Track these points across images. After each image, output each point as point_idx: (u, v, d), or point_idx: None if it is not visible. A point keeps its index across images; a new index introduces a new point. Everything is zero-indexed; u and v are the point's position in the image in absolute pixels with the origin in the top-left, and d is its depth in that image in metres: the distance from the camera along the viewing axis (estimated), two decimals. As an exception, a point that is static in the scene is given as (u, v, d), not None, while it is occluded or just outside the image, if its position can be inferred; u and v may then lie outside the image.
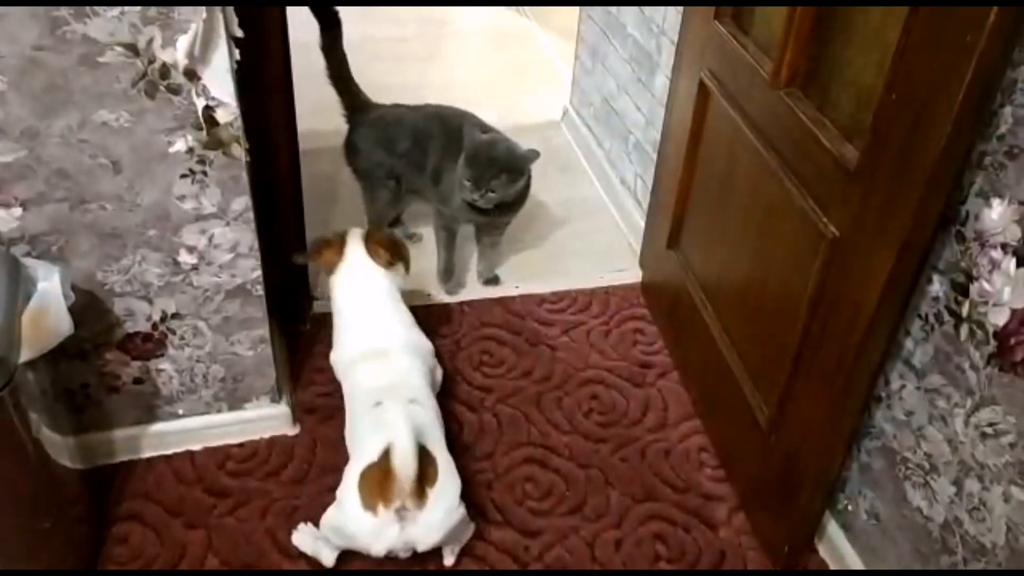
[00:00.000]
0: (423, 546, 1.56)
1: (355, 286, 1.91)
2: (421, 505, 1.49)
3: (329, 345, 2.17)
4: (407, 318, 1.92)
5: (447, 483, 1.56)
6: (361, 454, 1.56)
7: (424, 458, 1.50)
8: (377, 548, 1.53)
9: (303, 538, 1.73)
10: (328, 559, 1.68)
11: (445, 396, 2.11)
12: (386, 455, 1.46)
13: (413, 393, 1.72)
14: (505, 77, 3.94)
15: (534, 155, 2.24)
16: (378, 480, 1.48)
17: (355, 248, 1.92)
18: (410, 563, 1.71)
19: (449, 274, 2.49)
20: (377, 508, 1.48)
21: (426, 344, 1.91)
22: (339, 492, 1.58)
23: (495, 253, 2.57)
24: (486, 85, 3.79)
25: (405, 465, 1.43)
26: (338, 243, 1.93)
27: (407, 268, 1.99)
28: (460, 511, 1.59)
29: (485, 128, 2.36)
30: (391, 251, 1.94)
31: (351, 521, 1.53)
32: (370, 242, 1.93)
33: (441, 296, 2.47)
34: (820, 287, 1.53)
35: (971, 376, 1.34)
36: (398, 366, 1.78)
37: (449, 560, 1.72)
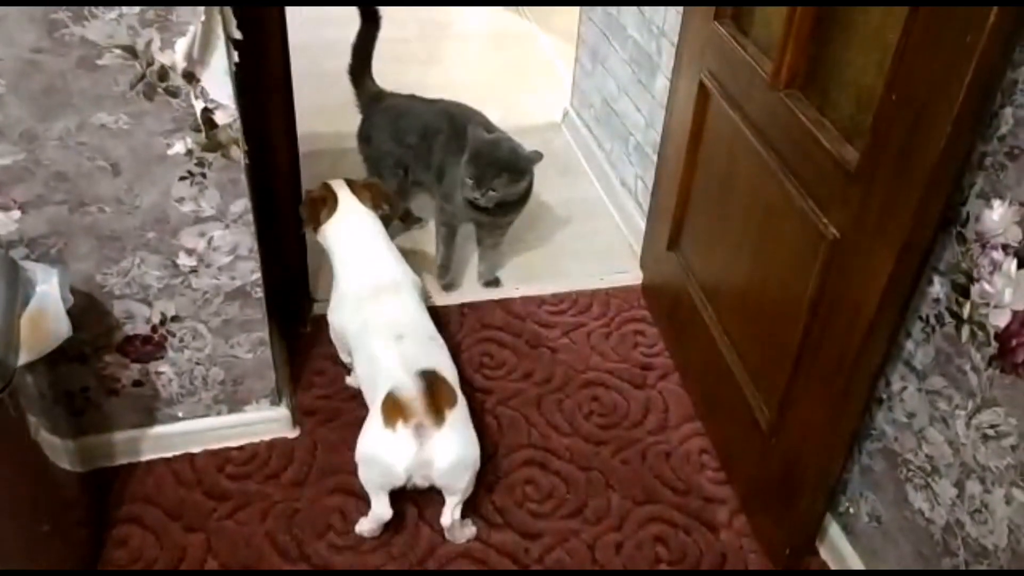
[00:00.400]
0: (439, 468, 1.61)
1: (354, 229, 1.99)
2: (439, 423, 1.59)
3: (331, 347, 2.18)
4: (399, 256, 2.01)
5: (463, 410, 1.68)
6: (383, 385, 1.66)
7: (442, 384, 1.67)
8: (398, 465, 1.59)
9: (363, 522, 1.76)
10: (379, 507, 1.70)
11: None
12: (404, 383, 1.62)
13: (431, 331, 1.85)
14: (505, 78, 3.94)
15: (537, 157, 2.24)
16: (397, 403, 1.60)
17: (345, 195, 2.01)
18: (410, 563, 1.72)
19: (446, 270, 2.50)
20: (396, 425, 1.58)
21: (419, 281, 2.02)
22: (366, 421, 1.69)
23: (496, 254, 2.56)
24: (486, 86, 3.79)
25: (406, 388, 1.61)
26: (328, 194, 2.00)
27: (394, 209, 2.12)
28: (475, 447, 1.69)
29: (491, 128, 2.36)
30: (375, 194, 2.05)
31: (373, 441, 1.63)
32: (355, 188, 2.03)
33: (441, 298, 2.47)
34: (820, 288, 1.53)
35: (972, 378, 1.33)
36: (410, 303, 1.90)
37: (447, 519, 1.72)
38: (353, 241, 1.98)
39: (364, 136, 2.52)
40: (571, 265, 2.64)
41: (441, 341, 1.86)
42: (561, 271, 2.62)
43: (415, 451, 1.58)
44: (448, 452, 1.61)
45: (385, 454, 1.61)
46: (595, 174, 3.11)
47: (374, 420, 1.64)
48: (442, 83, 3.68)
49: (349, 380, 2.11)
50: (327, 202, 1.99)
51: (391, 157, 2.46)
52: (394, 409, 1.60)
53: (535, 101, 3.62)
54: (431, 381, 1.65)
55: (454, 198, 2.33)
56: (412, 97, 2.53)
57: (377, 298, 1.87)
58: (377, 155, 2.49)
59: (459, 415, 1.66)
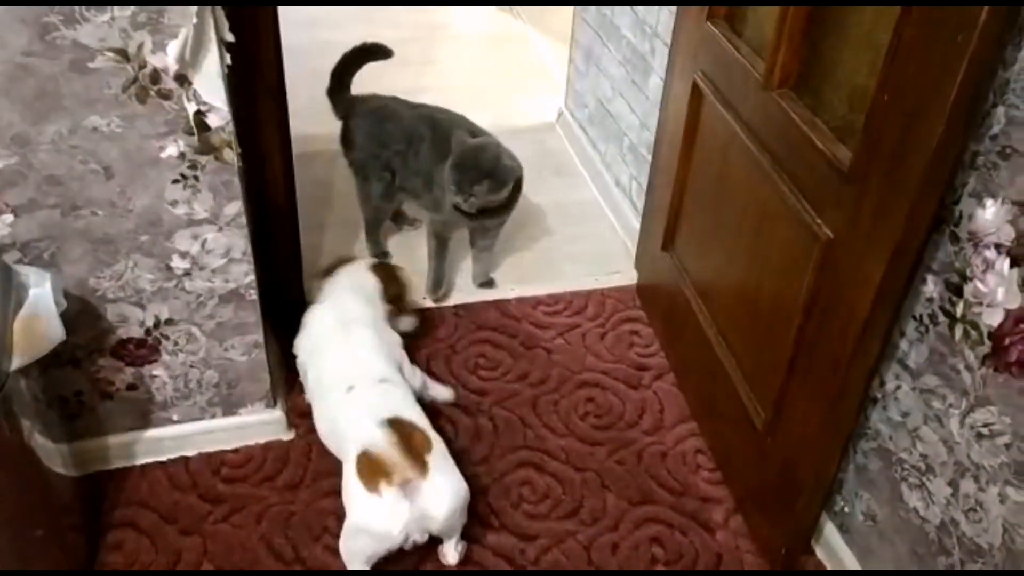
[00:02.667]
0: (437, 518, 1.54)
1: (346, 280, 2.02)
2: (424, 473, 1.51)
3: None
4: (374, 311, 1.97)
5: (442, 452, 1.60)
6: (352, 443, 1.59)
7: (410, 429, 1.58)
8: (394, 529, 1.51)
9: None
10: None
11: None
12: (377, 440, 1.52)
13: (381, 372, 1.77)
14: (500, 80, 3.94)
15: (518, 170, 2.26)
16: (374, 463, 1.51)
17: (363, 264, 2.08)
18: (405, 565, 1.71)
19: (438, 284, 2.46)
20: (380, 488, 1.49)
21: (395, 337, 1.97)
22: (343, 492, 1.60)
23: (489, 256, 2.56)
24: (481, 88, 3.79)
25: (378, 443, 1.51)
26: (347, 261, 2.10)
27: (400, 310, 2.08)
28: (464, 484, 1.61)
29: (476, 132, 2.35)
30: (394, 286, 2.06)
31: (361, 512, 1.54)
32: (378, 268, 2.09)
33: (436, 300, 2.46)
34: (814, 288, 1.53)
35: (966, 377, 1.33)
36: (358, 339, 1.84)
37: (452, 559, 1.70)
38: (338, 287, 2.00)
39: (347, 141, 2.50)
40: (566, 266, 2.64)
41: (397, 379, 1.79)
42: (556, 272, 2.62)
43: (408, 510, 1.50)
44: (442, 500, 1.54)
45: (377, 523, 1.52)
46: (590, 175, 3.11)
47: (354, 486, 1.53)
48: (436, 84, 3.69)
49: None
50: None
51: (377, 161, 2.45)
52: (372, 470, 1.51)
53: (529, 102, 3.62)
54: (401, 429, 1.56)
55: (442, 205, 2.33)
56: (396, 100, 2.50)
57: (332, 339, 1.86)
58: (362, 159, 2.47)
59: (439, 456, 1.58)
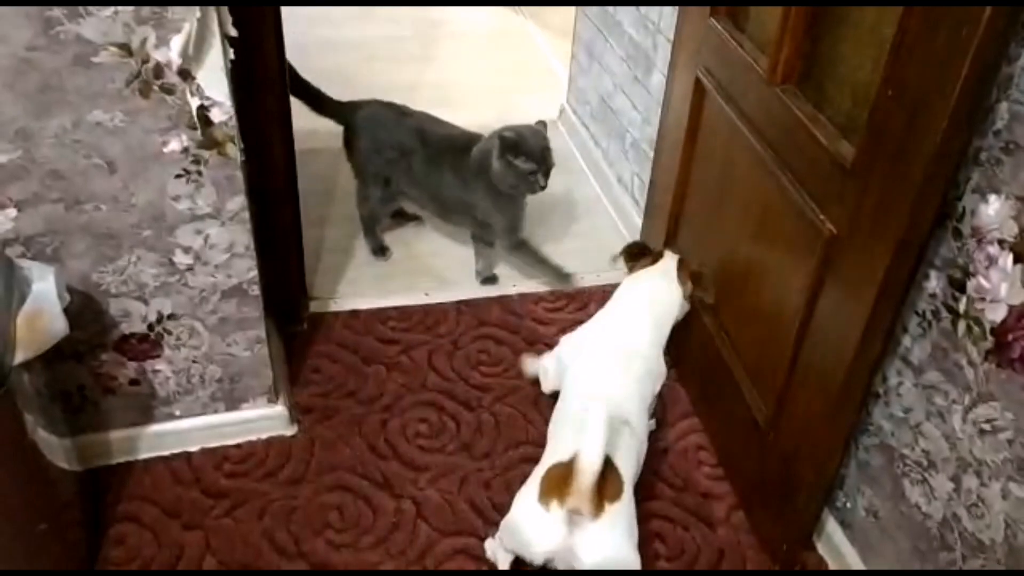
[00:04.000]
0: (584, 561, 1.45)
1: (643, 290, 1.92)
2: (596, 515, 1.42)
3: (328, 345, 2.19)
4: (660, 340, 1.89)
5: (625, 508, 1.50)
6: (553, 452, 1.55)
7: (612, 474, 1.47)
8: (539, 547, 1.46)
9: (490, 543, 1.71)
10: (502, 561, 1.65)
11: (443, 395, 2.11)
12: (575, 458, 1.42)
13: (630, 417, 1.65)
14: (501, 77, 3.94)
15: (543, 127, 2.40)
16: (560, 478, 1.45)
17: (669, 263, 1.97)
18: (407, 561, 1.71)
19: (565, 276, 2.51)
20: (551, 504, 1.44)
21: (662, 370, 1.88)
22: (523, 487, 1.55)
23: (492, 252, 2.57)
24: (483, 85, 3.79)
25: (589, 465, 1.39)
26: (655, 256, 2.00)
27: (707, 293, 1.98)
28: (630, 548, 1.50)
29: (471, 139, 2.42)
30: (696, 280, 1.96)
31: (523, 513, 1.50)
32: (683, 265, 1.97)
33: (439, 295, 2.46)
34: (817, 284, 1.53)
35: (969, 372, 1.34)
36: (627, 381, 1.75)
37: None
38: (631, 299, 1.91)
39: (348, 145, 2.54)
40: (568, 262, 2.63)
41: (639, 430, 1.67)
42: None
43: (562, 538, 1.43)
44: (597, 549, 1.44)
45: (529, 531, 1.47)
46: (592, 171, 3.11)
47: (530, 487, 1.51)
48: (438, 82, 3.69)
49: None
50: (652, 259, 1.98)
51: (372, 166, 2.49)
52: (553, 485, 1.45)
53: (531, 99, 3.62)
54: (606, 469, 1.45)
55: (497, 223, 2.43)
56: (391, 106, 2.52)
57: (603, 359, 1.79)
58: (359, 163, 2.52)
59: (622, 511, 1.48)
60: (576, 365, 1.82)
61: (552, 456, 1.54)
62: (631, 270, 2.00)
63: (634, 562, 1.51)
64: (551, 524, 1.44)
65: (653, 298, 1.91)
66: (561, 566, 1.48)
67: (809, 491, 1.68)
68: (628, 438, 1.60)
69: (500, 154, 2.27)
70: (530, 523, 1.47)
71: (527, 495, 1.50)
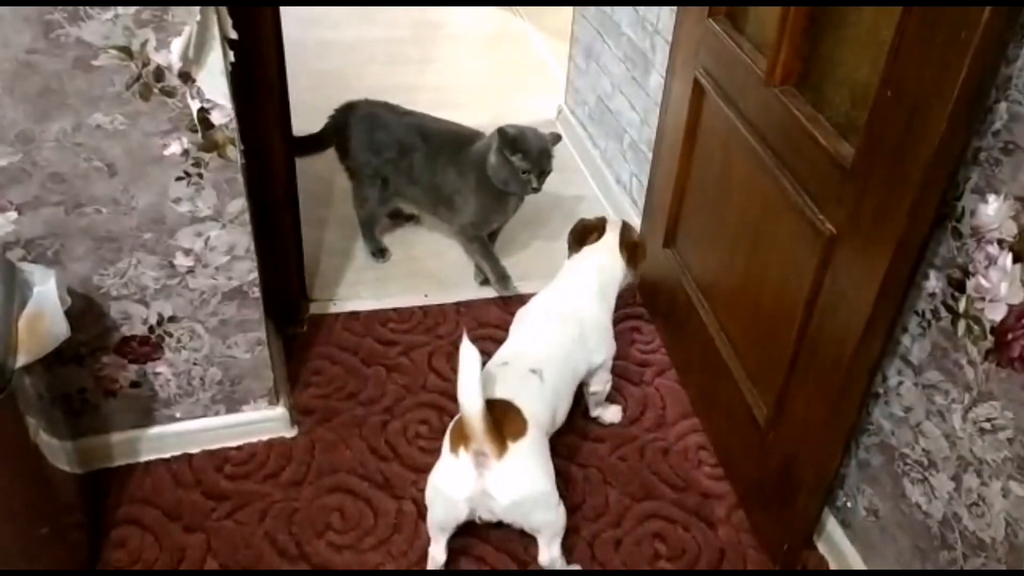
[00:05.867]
0: (499, 502, 1.52)
1: (589, 261, 1.97)
2: (500, 454, 1.49)
3: (328, 346, 2.19)
4: (606, 308, 1.94)
5: (530, 444, 1.55)
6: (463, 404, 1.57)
7: (514, 414, 1.56)
8: (457, 494, 1.52)
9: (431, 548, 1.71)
10: (435, 549, 1.67)
11: (443, 397, 2.11)
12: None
13: (544, 369, 1.72)
14: (499, 78, 3.94)
15: (554, 138, 2.41)
16: (462, 427, 1.51)
17: (611, 234, 2.00)
18: (409, 562, 1.72)
19: (504, 277, 2.47)
20: (459, 452, 1.51)
21: (611, 346, 1.95)
22: None
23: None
24: (480, 86, 3.80)
25: (468, 407, 1.46)
26: (599, 227, 2.01)
27: (635, 270, 2.03)
28: (541, 479, 1.57)
29: (472, 136, 2.43)
30: (634, 251, 2.00)
31: (438, 468, 1.57)
32: (623, 238, 2.00)
33: (438, 296, 2.46)
34: (817, 284, 1.53)
35: (969, 372, 1.34)
36: (551, 340, 1.82)
37: (544, 557, 1.66)
38: (581, 269, 1.96)
39: (341, 148, 2.54)
40: (566, 263, 2.64)
41: (552, 382, 1.73)
42: (556, 269, 2.60)
43: (474, 481, 1.50)
44: (508, 487, 1.51)
45: (444, 483, 1.54)
46: (590, 172, 3.11)
47: (445, 441, 1.58)
48: (436, 83, 3.69)
49: None
50: (596, 233, 2.00)
51: (369, 167, 2.49)
52: (461, 434, 1.51)
53: (529, 100, 3.62)
54: (500, 409, 1.54)
55: (466, 211, 2.41)
56: (387, 106, 2.53)
57: (537, 323, 1.86)
58: (355, 165, 2.52)
59: (526, 447, 1.53)
60: (513, 331, 1.90)
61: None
62: (578, 251, 2.01)
63: (550, 493, 1.59)
64: (461, 469, 1.51)
65: (600, 266, 1.96)
66: (485, 515, 1.55)
67: (809, 491, 1.68)
68: (535, 386, 1.69)
69: (498, 147, 2.28)
70: (445, 474, 1.55)
71: (444, 446, 1.58)
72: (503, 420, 1.53)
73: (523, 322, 1.91)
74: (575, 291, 1.92)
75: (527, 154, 2.27)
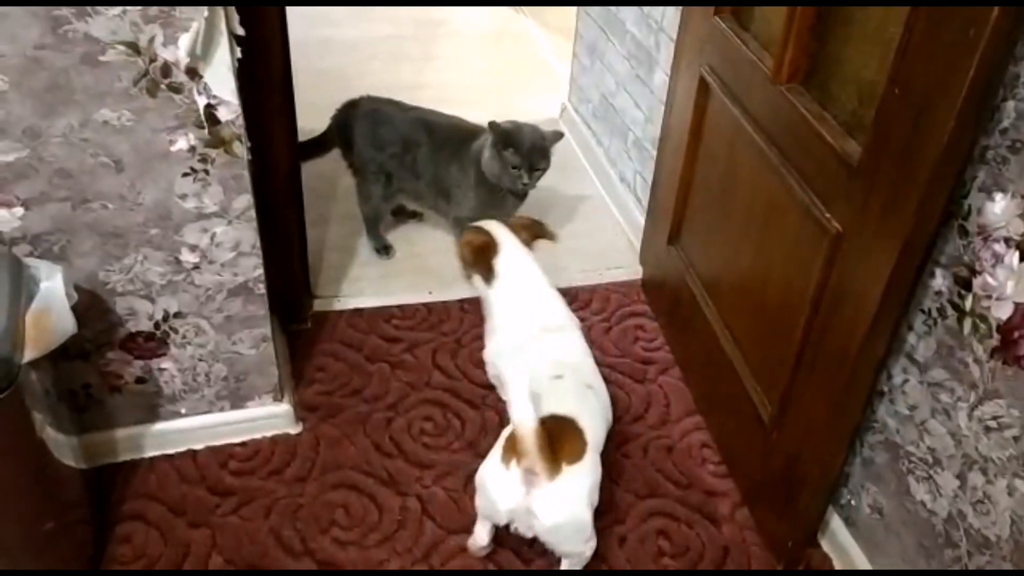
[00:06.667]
0: (541, 523, 1.49)
1: (517, 272, 1.93)
2: (552, 475, 1.46)
3: (332, 343, 2.19)
4: (560, 297, 1.94)
5: (585, 471, 1.52)
6: (518, 417, 1.53)
7: (575, 435, 1.53)
8: (501, 504, 1.51)
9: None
10: (478, 533, 1.69)
11: (447, 393, 2.11)
12: (542, 421, 1.46)
13: (590, 379, 1.75)
14: (502, 76, 3.94)
15: (558, 134, 2.39)
16: (518, 439, 1.47)
17: (506, 237, 1.94)
18: (414, 559, 1.72)
19: None
20: (511, 463, 1.49)
21: (579, 323, 1.95)
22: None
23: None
24: (483, 84, 3.79)
25: (523, 427, 1.43)
26: (487, 238, 1.93)
27: (550, 238, 2.05)
28: (586, 511, 1.53)
29: (475, 131, 2.42)
30: (531, 232, 2.00)
31: (487, 470, 1.56)
32: (514, 228, 1.97)
33: (442, 294, 2.46)
34: (823, 282, 1.53)
35: (974, 370, 1.34)
36: (576, 345, 1.83)
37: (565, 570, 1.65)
38: (520, 283, 1.91)
39: (344, 144, 2.54)
40: (571, 261, 2.64)
41: (600, 390, 1.75)
42: (560, 267, 2.62)
43: (520, 497, 1.48)
44: (553, 510, 1.48)
45: (492, 488, 1.53)
46: (594, 170, 3.11)
47: (495, 448, 1.57)
48: (438, 81, 3.69)
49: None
50: (488, 247, 1.91)
51: (373, 163, 2.48)
52: (512, 444, 1.48)
53: (532, 98, 3.62)
54: (560, 428, 1.51)
55: (463, 205, 2.40)
56: (389, 103, 2.53)
57: (542, 338, 1.81)
58: (360, 161, 2.52)
59: (579, 472, 1.50)
60: (521, 354, 1.78)
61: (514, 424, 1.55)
62: (491, 271, 1.91)
63: (589, 525, 1.54)
64: (510, 482, 1.49)
65: (532, 271, 1.93)
66: (523, 529, 1.54)
67: (814, 489, 1.69)
68: (593, 402, 1.68)
69: (492, 142, 2.28)
70: (492, 480, 1.53)
71: (493, 453, 1.57)
72: (562, 439, 1.49)
73: (526, 344, 1.82)
74: (552, 300, 1.91)
75: (518, 149, 2.25)
